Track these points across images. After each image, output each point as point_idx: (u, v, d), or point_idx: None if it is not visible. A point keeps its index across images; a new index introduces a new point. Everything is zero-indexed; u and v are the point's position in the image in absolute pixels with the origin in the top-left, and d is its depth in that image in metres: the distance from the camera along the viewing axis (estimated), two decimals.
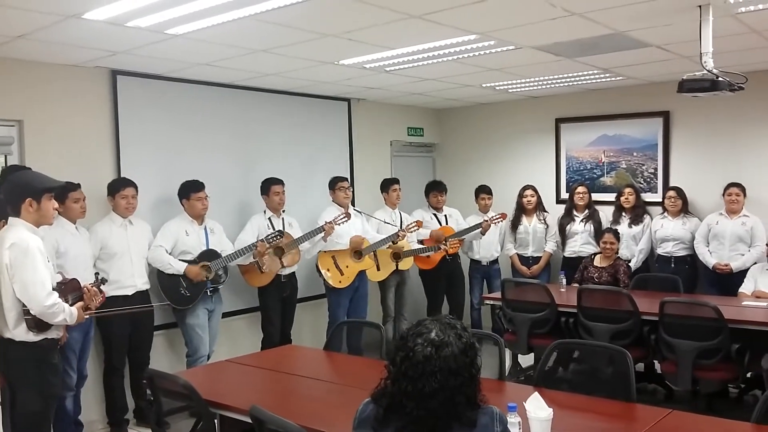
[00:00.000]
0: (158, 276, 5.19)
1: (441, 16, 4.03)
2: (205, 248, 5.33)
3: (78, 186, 4.71)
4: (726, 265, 5.94)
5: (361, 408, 2.11)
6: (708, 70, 3.98)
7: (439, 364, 1.92)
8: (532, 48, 5.00)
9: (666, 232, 6.40)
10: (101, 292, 3.98)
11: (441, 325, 2.00)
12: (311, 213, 6.36)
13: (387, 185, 6.86)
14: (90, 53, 4.76)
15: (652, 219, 6.61)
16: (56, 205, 3.75)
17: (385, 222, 6.60)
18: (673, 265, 6.32)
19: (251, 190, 6.06)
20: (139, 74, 5.45)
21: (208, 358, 5.34)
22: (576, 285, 5.99)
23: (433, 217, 7.08)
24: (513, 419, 2.45)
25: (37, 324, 3.51)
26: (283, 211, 5.98)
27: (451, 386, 1.91)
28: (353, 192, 6.71)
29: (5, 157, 4.81)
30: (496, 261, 7.29)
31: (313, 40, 4.52)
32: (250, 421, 2.84)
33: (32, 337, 3.53)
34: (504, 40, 4.72)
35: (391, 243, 6.42)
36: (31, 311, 3.47)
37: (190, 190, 5.33)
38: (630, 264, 6.25)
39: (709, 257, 6.08)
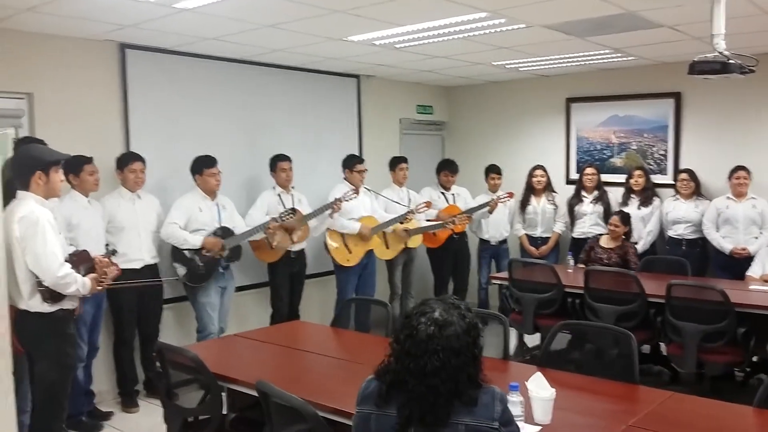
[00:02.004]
0: (172, 252, 5.21)
1: None
2: (218, 225, 5.35)
3: (91, 159, 4.75)
4: (744, 249, 5.90)
5: (365, 385, 2.14)
6: (719, 52, 3.93)
7: (441, 343, 1.94)
8: (543, 27, 4.96)
9: (678, 214, 6.37)
10: (113, 263, 4.01)
11: (445, 305, 2.02)
12: (319, 189, 6.36)
13: (394, 163, 6.86)
14: (99, 26, 4.75)
15: (661, 201, 6.58)
16: (63, 177, 3.78)
17: (393, 201, 6.60)
18: (684, 248, 6.30)
19: (260, 166, 6.07)
20: (148, 48, 5.44)
21: (223, 333, 5.37)
22: (582, 266, 5.99)
23: (441, 195, 7.08)
24: (515, 398, 2.47)
25: (51, 295, 3.56)
26: (293, 188, 5.99)
27: (453, 365, 1.94)
28: None
29: (16, 129, 4.83)
30: (505, 241, 7.29)
31: (322, 16, 4.50)
32: (256, 394, 2.88)
33: (47, 308, 3.58)
34: (514, 18, 4.68)
35: (398, 222, 6.42)
36: (44, 282, 3.51)
37: (203, 165, 5.33)
38: (637, 246, 6.22)
39: (723, 242, 6.04)
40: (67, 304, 3.68)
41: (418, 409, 1.95)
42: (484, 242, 7.31)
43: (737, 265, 5.89)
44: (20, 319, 3.55)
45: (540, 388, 2.63)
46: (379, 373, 2.09)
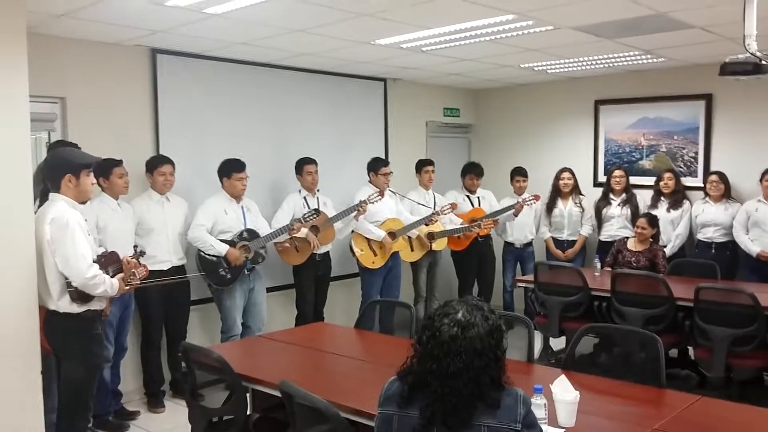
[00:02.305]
0: (198, 256, 5.26)
1: None
2: (243, 227, 5.39)
3: (121, 162, 4.84)
4: None
5: (387, 386, 2.14)
6: (751, 53, 3.88)
7: (464, 345, 1.94)
8: (572, 28, 4.93)
9: (707, 217, 6.29)
10: (141, 264, 4.06)
11: (468, 306, 2.02)
12: (346, 192, 6.39)
13: (420, 166, 6.87)
14: (130, 32, 4.83)
15: (691, 204, 6.50)
16: (94, 180, 3.85)
17: (419, 203, 6.61)
18: (713, 251, 6.22)
19: (286, 169, 6.11)
20: (178, 53, 5.52)
21: (260, 332, 5.39)
22: (609, 269, 5.94)
23: (466, 198, 7.07)
24: (539, 401, 2.46)
25: (80, 296, 3.61)
26: (318, 190, 6.02)
27: (475, 366, 1.94)
28: None
29: (49, 133, 4.93)
30: (530, 244, 7.25)
31: (350, 20, 4.53)
32: (280, 395, 2.91)
33: (76, 308, 3.64)
34: (543, 20, 4.66)
35: (424, 225, 6.43)
36: (72, 283, 3.57)
37: (232, 169, 5.37)
38: (666, 249, 6.15)
39: (751, 245, 5.96)
40: (95, 305, 3.74)
41: (441, 410, 1.95)
42: (508, 245, 7.28)
43: (767, 267, 5.79)
44: (49, 319, 3.61)
45: (564, 390, 2.62)
46: (401, 374, 2.09)
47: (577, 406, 2.59)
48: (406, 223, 6.35)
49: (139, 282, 3.96)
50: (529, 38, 5.21)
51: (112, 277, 3.75)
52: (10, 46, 3.36)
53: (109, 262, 3.80)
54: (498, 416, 1.96)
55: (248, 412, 3.38)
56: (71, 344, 3.69)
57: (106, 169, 4.71)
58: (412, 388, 2.03)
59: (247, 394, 3.33)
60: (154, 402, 5.20)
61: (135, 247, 4.46)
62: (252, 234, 5.40)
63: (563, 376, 2.71)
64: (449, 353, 1.94)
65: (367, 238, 6.18)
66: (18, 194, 3.42)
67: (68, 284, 3.59)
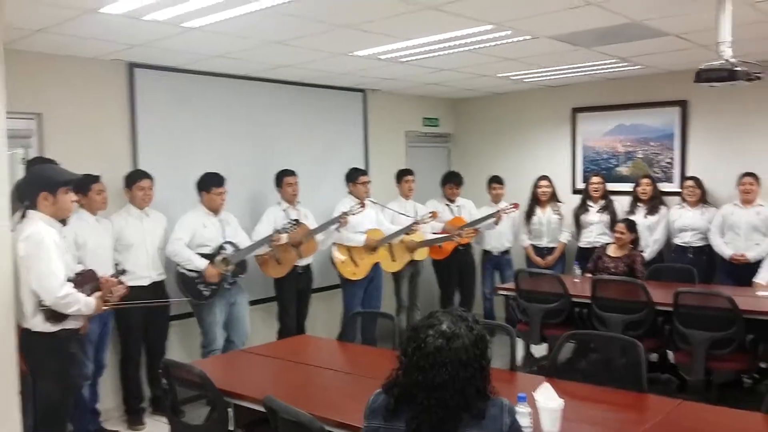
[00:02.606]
0: (177, 273, 5.21)
1: (457, 6, 4.02)
2: (222, 240, 5.36)
3: (98, 177, 4.80)
4: (742, 256, 5.91)
5: (372, 398, 2.14)
6: (726, 60, 3.95)
7: (449, 356, 1.94)
8: (549, 38, 4.98)
9: (684, 221, 6.37)
10: (121, 282, 4.02)
11: (452, 317, 2.02)
12: (326, 204, 6.37)
13: (400, 176, 6.89)
14: (107, 46, 4.81)
15: (668, 209, 6.58)
16: (75, 197, 3.80)
17: (399, 213, 6.62)
18: (690, 256, 6.29)
19: (265, 181, 6.09)
20: (155, 66, 5.50)
21: (243, 347, 5.34)
22: (589, 275, 5.98)
23: (446, 207, 7.09)
24: (523, 409, 2.47)
25: (53, 315, 3.55)
26: (298, 202, 6.01)
27: (461, 377, 1.94)
28: None
29: (25, 150, 4.87)
30: (507, 251, 7.30)
31: (328, 32, 4.54)
32: (263, 410, 2.89)
33: (50, 327, 3.58)
34: (520, 29, 4.70)
35: (404, 234, 6.43)
36: (44, 302, 3.52)
37: (211, 183, 5.34)
38: (644, 254, 6.21)
39: (724, 248, 6.05)
40: (70, 324, 3.66)
41: (427, 422, 1.95)
42: (486, 253, 7.32)
43: (742, 270, 5.89)
44: (24, 338, 3.56)
45: (548, 398, 2.63)
46: (386, 386, 2.09)
47: (561, 413, 2.60)
48: (386, 233, 6.35)
49: (117, 300, 3.91)
50: (506, 48, 5.25)
51: (89, 295, 3.70)
52: None
53: (86, 280, 3.75)
54: (484, 426, 1.97)
55: (231, 428, 3.35)
56: (45, 364, 3.62)
57: (84, 185, 4.64)
58: (398, 400, 2.03)
59: (230, 410, 3.30)
60: (134, 420, 5.14)
61: (116, 265, 4.41)
62: (232, 247, 5.37)
63: (547, 384, 2.72)
64: (435, 365, 1.94)
65: (347, 249, 6.16)
66: None
67: (41, 303, 3.53)
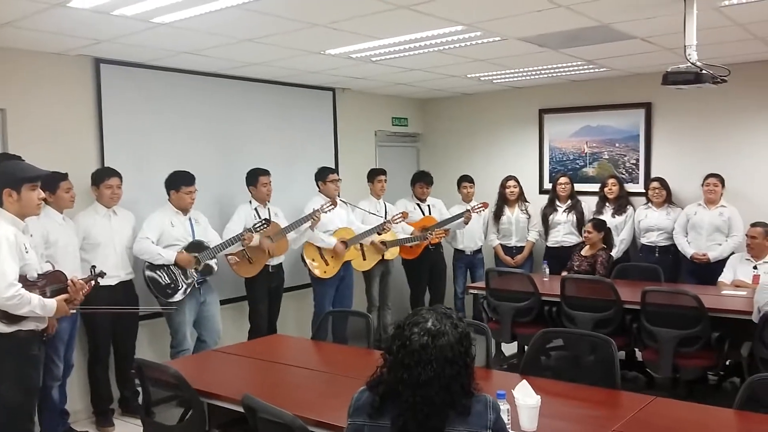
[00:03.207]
0: (146, 276, 5.09)
1: (428, 6, 4.04)
2: (191, 239, 5.30)
3: (66, 175, 4.69)
4: (704, 255, 6.04)
5: (357, 396, 2.14)
6: (692, 63, 4.04)
7: (435, 353, 1.95)
8: (518, 39, 5.03)
9: (650, 222, 6.49)
10: (97, 282, 3.92)
11: (437, 315, 2.03)
12: (296, 203, 6.34)
13: (373, 175, 6.89)
14: (74, 41, 4.71)
15: (635, 209, 6.69)
16: (41, 195, 3.69)
17: (370, 212, 6.62)
18: (656, 255, 6.41)
19: (234, 180, 6.04)
20: (122, 63, 5.40)
21: (216, 346, 5.26)
22: (565, 273, 6.04)
23: (417, 207, 7.12)
24: (501, 406, 2.47)
25: (6, 315, 3.43)
26: (269, 201, 5.97)
27: (446, 375, 1.95)
28: None
29: None
30: (479, 250, 7.35)
31: (300, 30, 4.52)
32: (239, 410, 2.87)
33: (5, 328, 3.45)
34: (490, 31, 4.74)
35: (376, 234, 6.44)
36: None
37: (181, 182, 5.25)
38: (612, 254, 6.31)
39: (687, 247, 6.19)
40: (29, 325, 3.53)
41: (413, 419, 1.96)
42: (458, 252, 7.36)
43: (704, 269, 6.02)
44: None
45: (526, 395, 2.66)
46: (371, 384, 2.09)
47: (538, 410, 2.63)
48: (357, 233, 6.35)
49: (81, 302, 3.80)
50: (476, 49, 5.29)
51: (50, 296, 3.59)
52: None
53: (50, 281, 3.64)
54: (469, 423, 1.98)
55: (206, 428, 3.31)
56: (4, 366, 3.48)
57: (52, 182, 4.52)
58: (383, 397, 2.03)
59: None
60: (103, 421, 5.05)
61: (93, 267, 4.25)
62: (201, 246, 5.30)
63: (524, 381, 2.74)
64: (420, 362, 1.94)
65: (318, 248, 6.15)
66: None
67: None
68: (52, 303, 3.57)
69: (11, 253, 3.42)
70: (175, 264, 5.14)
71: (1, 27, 4.22)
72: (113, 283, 4.91)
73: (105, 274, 4.17)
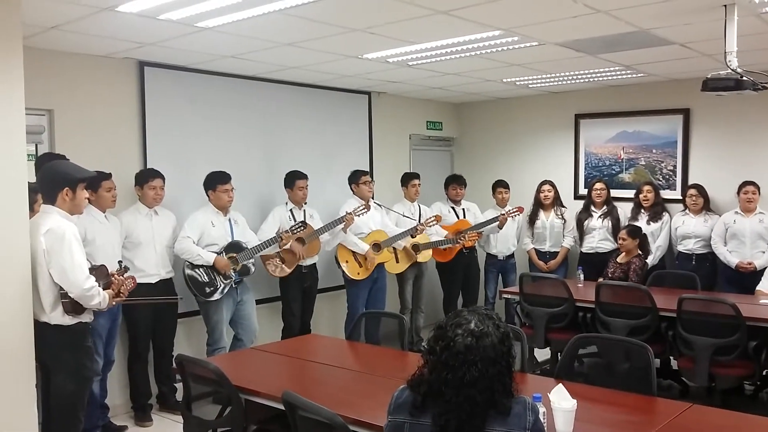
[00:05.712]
0: (185, 275, 5.20)
1: (466, 12, 4.08)
2: (230, 240, 5.39)
3: (110, 175, 4.82)
4: (750, 264, 5.96)
5: (397, 394, 2.18)
6: (732, 69, 4.02)
7: (479, 354, 1.99)
8: (555, 44, 5.04)
9: (687, 229, 6.42)
10: (131, 277, 4.07)
11: (479, 316, 2.07)
12: (331, 205, 6.42)
13: (407, 179, 6.93)
14: (119, 44, 4.84)
15: (671, 216, 6.64)
16: (87, 194, 3.84)
17: (404, 215, 6.66)
18: (694, 263, 6.34)
19: (273, 181, 6.14)
20: (165, 65, 5.53)
21: (252, 345, 5.35)
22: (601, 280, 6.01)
23: (451, 210, 7.14)
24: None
25: (73, 308, 3.60)
26: (305, 203, 6.04)
27: (490, 375, 1.99)
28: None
29: (36, 145, 4.89)
30: (512, 255, 7.33)
31: (339, 35, 4.58)
32: (276, 406, 2.92)
33: (68, 320, 3.62)
34: (527, 36, 4.76)
35: (409, 237, 6.47)
36: (70, 294, 3.56)
37: (216, 181, 5.37)
38: (647, 261, 6.26)
39: (729, 256, 6.10)
40: (85, 318, 3.73)
41: (455, 419, 1.99)
42: (491, 257, 7.35)
43: (745, 279, 5.93)
44: (39, 331, 3.58)
45: (562, 399, 2.67)
46: (412, 383, 2.13)
47: (574, 414, 2.64)
48: (391, 235, 6.39)
49: (126, 296, 3.95)
50: (513, 53, 5.31)
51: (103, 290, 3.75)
52: (7, 59, 3.36)
53: (99, 275, 3.79)
54: (508, 423, 2.01)
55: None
56: (63, 357, 3.67)
57: (95, 182, 4.67)
58: (424, 397, 2.07)
59: None
60: (141, 416, 5.16)
61: (120, 262, 4.43)
62: (239, 246, 5.40)
63: (561, 385, 2.76)
64: (465, 363, 1.98)
65: (352, 251, 6.20)
66: (14, 207, 3.41)
67: (62, 295, 3.57)
68: (107, 295, 3.75)
69: (80, 248, 3.60)
70: (213, 266, 5.23)
71: (49, 30, 4.35)
72: (153, 281, 5.05)
73: (128, 268, 4.34)
